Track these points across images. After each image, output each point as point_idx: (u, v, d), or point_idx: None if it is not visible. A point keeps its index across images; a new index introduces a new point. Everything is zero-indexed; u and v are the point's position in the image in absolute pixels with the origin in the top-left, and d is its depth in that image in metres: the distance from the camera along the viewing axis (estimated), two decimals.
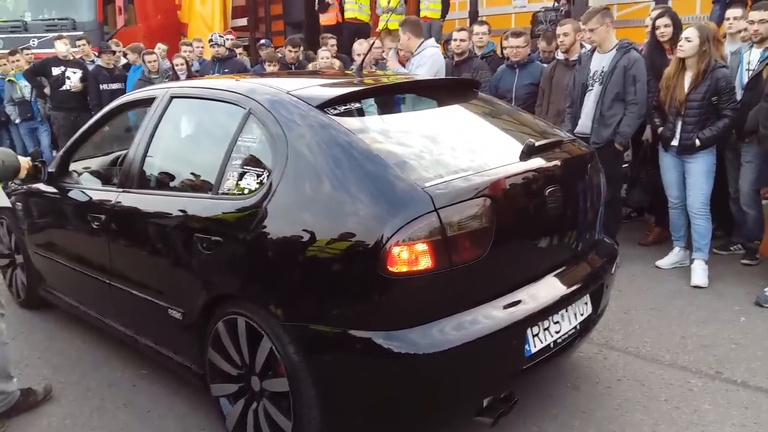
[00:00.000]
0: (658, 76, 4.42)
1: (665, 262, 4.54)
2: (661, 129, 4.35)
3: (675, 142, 4.25)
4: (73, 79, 7.65)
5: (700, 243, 4.29)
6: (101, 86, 7.66)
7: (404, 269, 2.01)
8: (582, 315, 2.57)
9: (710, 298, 3.99)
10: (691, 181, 4.29)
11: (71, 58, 7.83)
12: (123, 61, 8.13)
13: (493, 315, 2.19)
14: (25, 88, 7.91)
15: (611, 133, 4.39)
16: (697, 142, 4.14)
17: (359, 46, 6.14)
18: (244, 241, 2.32)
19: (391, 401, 2.16)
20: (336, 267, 2.13)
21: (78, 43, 8.29)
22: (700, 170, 4.23)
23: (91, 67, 7.93)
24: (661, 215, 5.01)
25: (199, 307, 2.54)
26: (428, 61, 5.32)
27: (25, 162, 2.95)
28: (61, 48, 7.67)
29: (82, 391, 3.09)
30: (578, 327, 2.53)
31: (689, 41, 4.07)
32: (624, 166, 4.91)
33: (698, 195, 4.26)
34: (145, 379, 3.18)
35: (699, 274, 4.22)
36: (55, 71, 7.64)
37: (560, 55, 5.06)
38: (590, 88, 4.50)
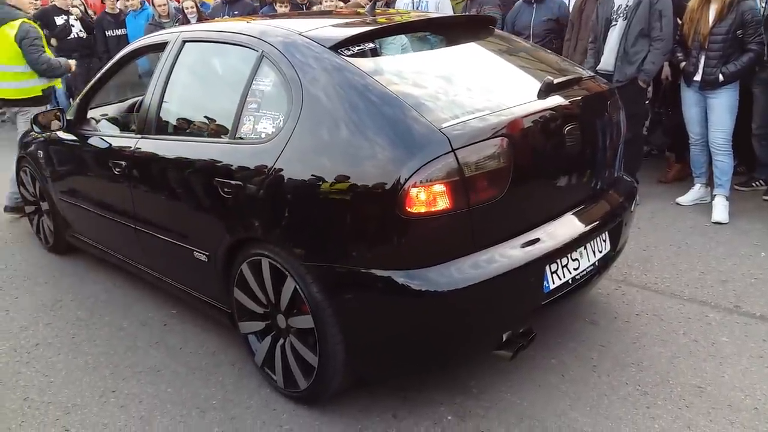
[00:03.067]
0: (678, 11, 4.27)
1: (686, 198, 4.51)
2: (683, 64, 4.23)
3: (698, 77, 4.15)
4: (78, 26, 7.56)
5: (722, 179, 4.24)
6: (107, 33, 7.57)
7: (422, 210, 2.03)
8: (600, 252, 2.59)
9: (730, 234, 3.98)
10: (713, 117, 4.20)
11: (70, 5, 7.73)
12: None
13: (510, 253, 2.21)
14: None
15: (635, 71, 4.28)
16: (721, 77, 4.04)
17: None
18: (264, 184, 2.35)
19: (412, 337, 2.22)
20: (355, 209, 2.15)
21: None
22: (722, 106, 4.14)
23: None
24: (681, 152, 4.95)
25: (223, 250, 2.60)
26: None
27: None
28: (60, 2, 7.57)
29: (115, 331, 3.22)
30: (596, 264, 2.56)
31: None
32: (645, 103, 4.82)
33: (720, 131, 4.18)
34: (175, 319, 3.30)
35: (720, 210, 4.19)
36: (59, 21, 7.55)
37: None
38: (614, 23, 4.36)
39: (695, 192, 4.50)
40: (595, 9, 4.71)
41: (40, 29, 4.90)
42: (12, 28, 4.64)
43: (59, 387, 2.78)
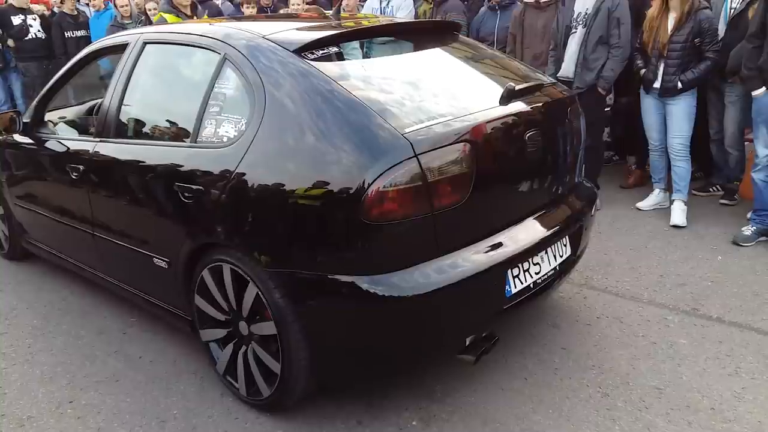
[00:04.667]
0: (638, 19, 4.38)
1: (645, 203, 4.61)
2: (643, 71, 4.33)
3: (657, 84, 4.25)
4: (36, 26, 7.39)
5: (680, 184, 4.36)
6: (66, 34, 7.41)
7: (386, 215, 2.02)
8: (561, 256, 2.62)
9: (689, 238, 4.08)
10: (671, 122, 4.31)
11: (27, 6, 7.54)
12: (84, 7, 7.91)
13: (473, 258, 2.22)
14: None
15: (594, 78, 4.37)
16: (679, 84, 4.14)
17: None
18: (226, 189, 2.32)
19: (376, 342, 2.22)
20: (318, 214, 2.13)
21: None
22: (680, 112, 4.25)
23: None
24: (641, 157, 5.06)
25: (184, 256, 2.55)
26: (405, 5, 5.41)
27: None
28: (18, 0, 7.38)
29: (73, 340, 3.14)
30: (558, 268, 2.59)
31: None
32: (606, 110, 4.92)
33: (678, 137, 4.29)
34: (135, 327, 3.23)
35: (678, 214, 4.30)
36: (16, 21, 7.34)
37: None
38: (574, 30, 4.44)
39: (654, 197, 4.61)
40: (537, 18, 4.79)
41: (170, 20, 5.58)
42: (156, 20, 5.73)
43: (13, 399, 2.69)
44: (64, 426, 2.50)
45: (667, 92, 4.21)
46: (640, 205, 4.61)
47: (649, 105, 4.41)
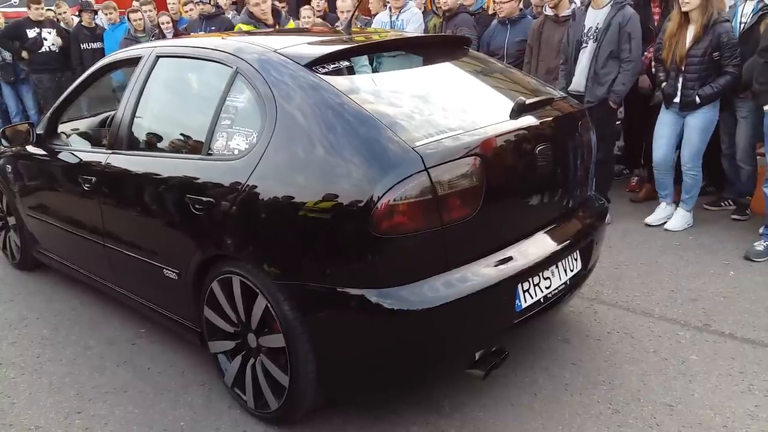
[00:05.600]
0: (643, 33, 4.38)
1: (653, 218, 4.58)
2: (664, 84, 4.30)
3: (677, 99, 4.22)
4: (50, 39, 7.51)
5: (684, 196, 4.39)
6: (82, 46, 7.52)
7: (395, 228, 2.02)
8: (572, 271, 2.61)
9: (700, 253, 4.04)
10: (686, 135, 4.29)
11: (43, 18, 7.66)
12: (100, 20, 8.00)
13: (483, 272, 2.21)
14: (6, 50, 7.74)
15: (605, 92, 4.37)
16: (697, 99, 4.11)
17: (342, 3, 6.05)
18: (236, 202, 2.33)
19: (385, 356, 2.20)
20: (328, 227, 2.13)
21: (58, 10, 8.09)
22: (697, 126, 4.23)
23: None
24: (651, 172, 5.05)
25: (193, 267, 2.56)
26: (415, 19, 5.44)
27: None
28: (34, 14, 7.49)
29: (82, 350, 3.15)
30: (568, 282, 2.57)
31: None
32: (617, 123, 4.91)
33: (690, 150, 4.28)
34: (144, 338, 3.24)
35: (676, 218, 4.37)
36: (31, 33, 7.46)
37: (548, 11, 4.93)
38: (584, 45, 4.45)
39: (662, 211, 4.57)
40: (554, 32, 4.81)
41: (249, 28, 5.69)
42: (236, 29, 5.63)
43: (22, 408, 2.69)
44: None
45: (687, 106, 4.18)
46: (648, 219, 4.57)
47: (666, 120, 4.37)
